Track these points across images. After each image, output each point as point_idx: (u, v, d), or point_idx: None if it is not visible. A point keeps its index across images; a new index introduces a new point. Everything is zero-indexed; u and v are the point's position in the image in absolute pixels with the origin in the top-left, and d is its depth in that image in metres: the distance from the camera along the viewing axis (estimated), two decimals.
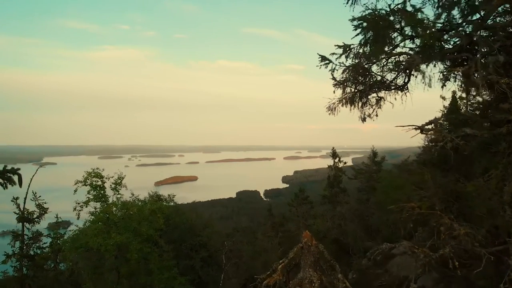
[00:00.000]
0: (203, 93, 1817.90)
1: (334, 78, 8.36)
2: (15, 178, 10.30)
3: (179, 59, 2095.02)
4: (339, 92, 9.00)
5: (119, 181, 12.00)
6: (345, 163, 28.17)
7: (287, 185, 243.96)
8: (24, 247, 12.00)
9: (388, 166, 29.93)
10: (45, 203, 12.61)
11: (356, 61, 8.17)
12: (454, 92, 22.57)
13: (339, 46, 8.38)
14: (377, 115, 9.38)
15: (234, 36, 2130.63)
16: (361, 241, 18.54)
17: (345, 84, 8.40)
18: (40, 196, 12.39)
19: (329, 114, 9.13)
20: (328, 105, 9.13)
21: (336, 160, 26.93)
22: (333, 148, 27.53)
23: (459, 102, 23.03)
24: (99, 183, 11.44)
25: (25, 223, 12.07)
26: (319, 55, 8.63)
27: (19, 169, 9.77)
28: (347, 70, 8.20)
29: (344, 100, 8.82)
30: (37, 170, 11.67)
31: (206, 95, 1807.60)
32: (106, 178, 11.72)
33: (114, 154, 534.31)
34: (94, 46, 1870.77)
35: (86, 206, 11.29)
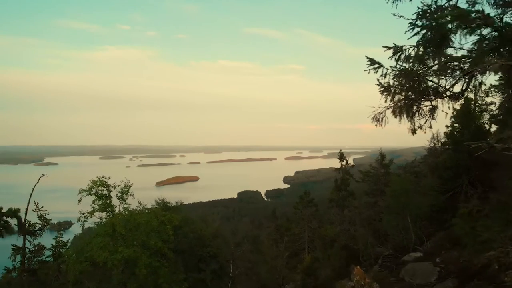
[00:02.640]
0: (204, 93, 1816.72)
1: (380, 84, 7.48)
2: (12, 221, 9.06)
3: (180, 59, 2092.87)
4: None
5: (125, 189, 11.35)
6: (352, 166, 27.62)
7: (288, 186, 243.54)
8: (26, 261, 11.39)
9: (391, 167, 29.27)
10: (47, 214, 11.96)
11: (408, 64, 7.26)
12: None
13: (388, 48, 7.25)
14: (431, 127, 8.33)
15: (235, 36, 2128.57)
16: (371, 246, 17.97)
17: (395, 91, 7.44)
18: (42, 207, 11.74)
19: (376, 125, 8.05)
20: (373, 115, 8.05)
21: (344, 162, 26.37)
22: (341, 150, 26.98)
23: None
24: (105, 192, 10.85)
25: (26, 236, 11.43)
26: (368, 58, 7.44)
27: (18, 210, 9.05)
28: (399, 75, 7.26)
29: (393, 109, 7.76)
30: (39, 179, 11.10)
31: (207, 95, 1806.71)
32: (112, 186, 11.09)
33: (115, 154, 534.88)
34: (95, 46, 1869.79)
35: (91, 217, 10.75)
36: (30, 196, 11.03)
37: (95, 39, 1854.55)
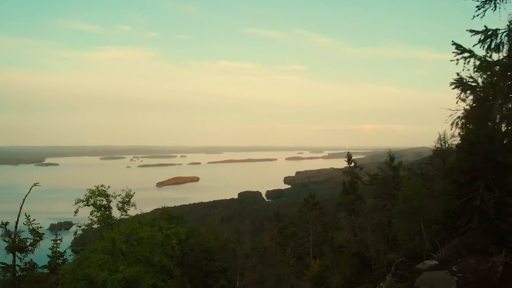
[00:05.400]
0: (205, 94, 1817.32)
1: (459, 81, 6.21)
2: None
3: (181, 60, 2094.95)
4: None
5: (127, 199, 10.23)
6: (361, 169, 26.76)
7: (289, 186, 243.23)
8: (16, 280, 10.31)
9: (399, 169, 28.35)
10: (40, 227, 10.89)
11: (500, 54, 5.95)
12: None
13: (476, 32, 5.75)
14: None
15: (236, 36, 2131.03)
16: (383, 253, 17.11)
17: (485, 89, 6.15)
18: (34, 220, 10.69)
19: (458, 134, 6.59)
20: (451, 120, 6.67)
21: (352, 164, 25.49)
22: (348, 152, 26.13)
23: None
24: (104, 202, 9.84)
25: (16, 253, 10.30)
26: (455, 43, 5.99)
27: (7, 223, 8.02)
28: (493, 69, 5.95)
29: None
30: (30, 189, 10.21)
31: (208, 96, 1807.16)
32: (112, 196, 10.15)
33: (116, 155, 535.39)
34: (95, 47, 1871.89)
35: (90, 229, 9.84)
36: (21, 207, 10.04)
37: (96, 39, 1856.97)
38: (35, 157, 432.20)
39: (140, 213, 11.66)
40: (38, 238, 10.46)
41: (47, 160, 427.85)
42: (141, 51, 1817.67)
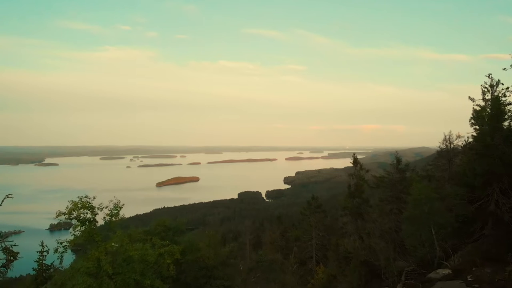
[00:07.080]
0: (205, 94, 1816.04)
1: None
2: None
3: (181, 60, 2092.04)
4: None
5: (115, 211, 9.15)
6: (367, 171, 25.81)
7: (289, 186, 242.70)
8: None
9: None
10: (14, 245, 9.74)
11: None
12: (484, 93, 20.09)
13: None
14: None
15: (235, 36, 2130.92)
16: (393, 261, 16.16)
17: None
18: (8, 237, 9.65)
19: None
20: None
21: (358, 167, 24.50)
22: (354, 154, 25.16)
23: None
24: (89, 216, 8.85)
25: None
26: None
27: None
28: None
29: None
30: (2, 200, 9.22)
31: (207, 96, 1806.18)
32: (98, 208, 9.10)
33: (116, 155, 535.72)
34: (95, 46, 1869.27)
35: (73, 245, 8.82)
36: None
37: (96, 39, 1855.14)
38: (35, 157, 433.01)
39: (135, 215, 10.74)
40: (12, 258, 9.34)
41: (47, 160, 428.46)
42: (140, 51, 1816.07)
